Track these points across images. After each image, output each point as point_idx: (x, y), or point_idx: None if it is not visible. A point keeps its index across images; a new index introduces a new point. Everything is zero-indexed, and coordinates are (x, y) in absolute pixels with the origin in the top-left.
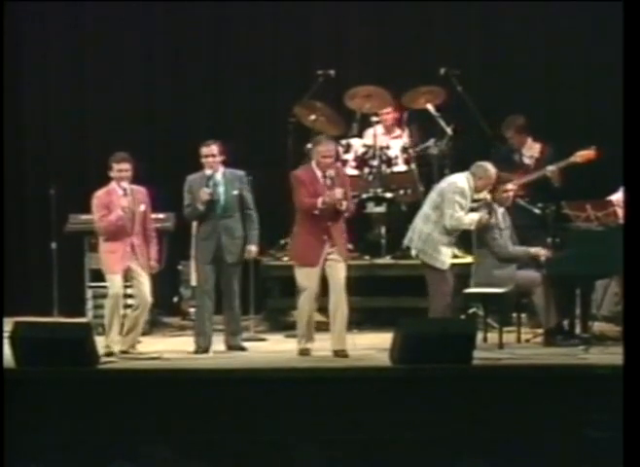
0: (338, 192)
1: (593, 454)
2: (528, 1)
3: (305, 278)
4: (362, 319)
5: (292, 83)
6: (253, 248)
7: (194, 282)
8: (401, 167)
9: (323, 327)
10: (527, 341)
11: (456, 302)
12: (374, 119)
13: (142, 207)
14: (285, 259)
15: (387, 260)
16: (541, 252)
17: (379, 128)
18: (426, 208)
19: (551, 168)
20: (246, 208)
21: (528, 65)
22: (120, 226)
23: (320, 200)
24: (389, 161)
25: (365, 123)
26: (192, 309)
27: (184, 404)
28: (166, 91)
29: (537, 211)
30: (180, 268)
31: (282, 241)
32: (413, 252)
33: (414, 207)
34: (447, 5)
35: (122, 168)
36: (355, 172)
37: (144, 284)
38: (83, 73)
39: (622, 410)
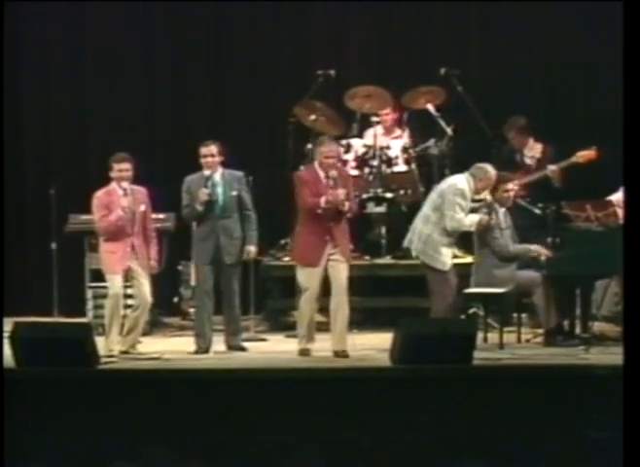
0: (341, 192)
1: (593, 454)
2: (528, 1)
3: (307, 278)
4: (362, 319)
5: (292, 83)
6: (252, 249)
7: (194, 282)
8: (401, 167)
9: (323, 327)
10: (527, 341)
11: (456, 302)
12: (375, 119)
13: (142, 207)
14: (285, 259)
15: (387, 260)
16: (541, 250)
17: (379, 129)
18: (426, 209)
19: (552, 168)
20: (245, 209)
21: (528, 65)
22: (120, 226)
23: (323, 199)
24: (389, 162)
25: (365, 123)
26: (192, 310)
27: (184, 404)
28: (166, 91)
29: (537, 211)
30: (180, 268)
31: (282, 241)
32: (414, 253)
33: (415, 207)
34: (447, 5)
35: (122, 168)
36: (355, 172)
37: (144, 284)
38: (83, 73)
39: (621, 410)
